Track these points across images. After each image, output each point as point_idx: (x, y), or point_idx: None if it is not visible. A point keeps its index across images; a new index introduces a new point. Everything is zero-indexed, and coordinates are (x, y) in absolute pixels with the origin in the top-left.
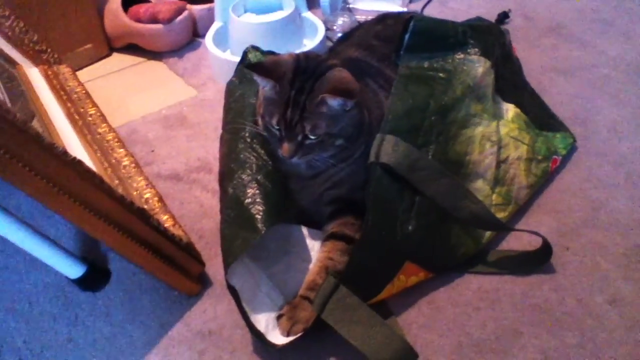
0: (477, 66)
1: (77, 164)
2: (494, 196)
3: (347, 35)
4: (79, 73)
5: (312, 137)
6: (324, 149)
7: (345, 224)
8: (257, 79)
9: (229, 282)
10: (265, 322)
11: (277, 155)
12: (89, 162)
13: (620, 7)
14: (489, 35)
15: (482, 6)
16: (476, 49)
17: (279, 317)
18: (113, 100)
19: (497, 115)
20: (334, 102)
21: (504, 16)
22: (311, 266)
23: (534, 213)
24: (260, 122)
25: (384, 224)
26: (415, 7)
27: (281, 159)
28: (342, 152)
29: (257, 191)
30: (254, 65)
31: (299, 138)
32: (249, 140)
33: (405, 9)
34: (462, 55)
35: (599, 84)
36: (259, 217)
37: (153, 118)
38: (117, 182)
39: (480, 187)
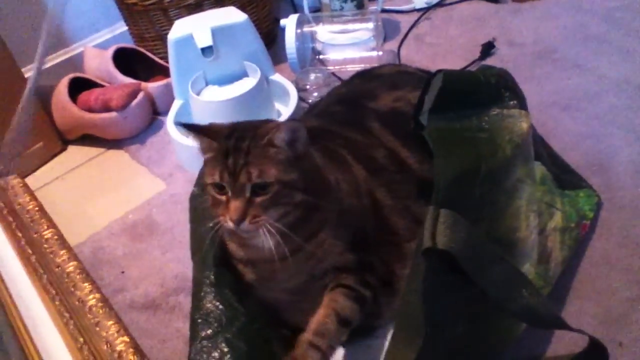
0: (520, 121)
1: None
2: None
3: (312, 106)
4: (31, 177)
5: (263, 190)
6: (280, 206)
7: (339, 278)
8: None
9: None
10: None
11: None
12: (46, 319)
13: (609, 18)
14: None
15: (462, 37)
16: (514, 101)
17: None
18: (72, 209)
19: (535, 178)
20: (280, 137)
21: (489, 46)
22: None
23: (572, 298)
24: (209, 200)
25: (438, 335)
26: (391, 46)
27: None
28: (310, 215)
29: (227, 355)
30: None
31: (247, 193)
32: (214, 281)
33: (380, 53)
34: (498, 110)
35: (608, 116)
36: None
37: (119, 227)
38: (81, 340)
39: (527, 270)
